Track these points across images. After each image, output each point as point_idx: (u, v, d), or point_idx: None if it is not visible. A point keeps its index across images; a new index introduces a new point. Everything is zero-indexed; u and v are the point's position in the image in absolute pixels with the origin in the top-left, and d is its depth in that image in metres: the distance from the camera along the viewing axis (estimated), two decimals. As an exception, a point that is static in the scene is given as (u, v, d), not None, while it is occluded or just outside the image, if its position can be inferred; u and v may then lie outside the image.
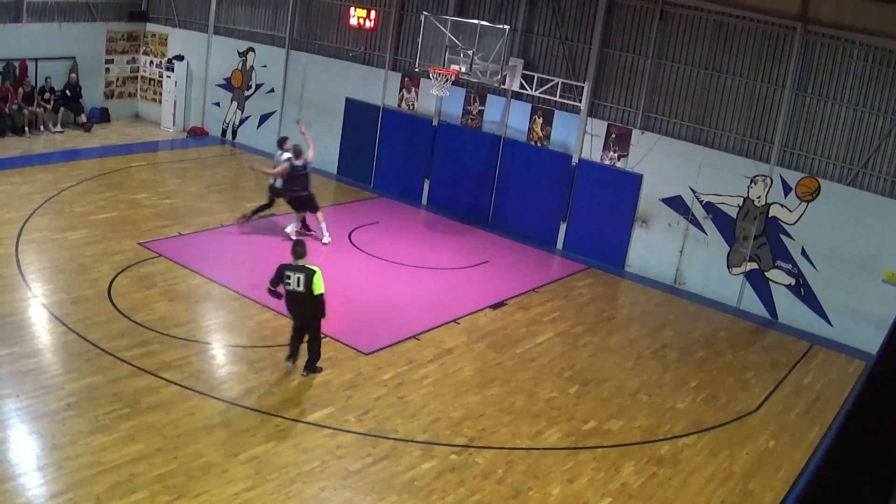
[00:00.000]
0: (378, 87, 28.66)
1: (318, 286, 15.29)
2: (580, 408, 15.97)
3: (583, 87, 24.13)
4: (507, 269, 22.77)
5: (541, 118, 25.33)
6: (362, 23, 28.62)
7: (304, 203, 22.63)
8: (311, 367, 16.00)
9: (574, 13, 24.58)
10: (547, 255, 24.84)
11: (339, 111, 29.75)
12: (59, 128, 30.89)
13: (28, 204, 22.50)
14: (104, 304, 17.42)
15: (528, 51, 25.43)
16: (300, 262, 15.44)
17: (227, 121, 33.08)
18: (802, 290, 21.52)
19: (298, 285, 15.25)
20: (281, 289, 15.51)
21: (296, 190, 22.42)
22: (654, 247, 23.40)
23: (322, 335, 15.96)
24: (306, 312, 15.58)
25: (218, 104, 33.20)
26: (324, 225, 22.63)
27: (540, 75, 24.39)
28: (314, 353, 15.96)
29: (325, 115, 30.06)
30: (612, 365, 18.11)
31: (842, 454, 2.88)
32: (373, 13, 28.44)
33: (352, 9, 28.81)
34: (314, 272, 15.29)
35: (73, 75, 31.64)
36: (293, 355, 15.89)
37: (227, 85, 32.79)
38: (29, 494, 11.20)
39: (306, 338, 15.85)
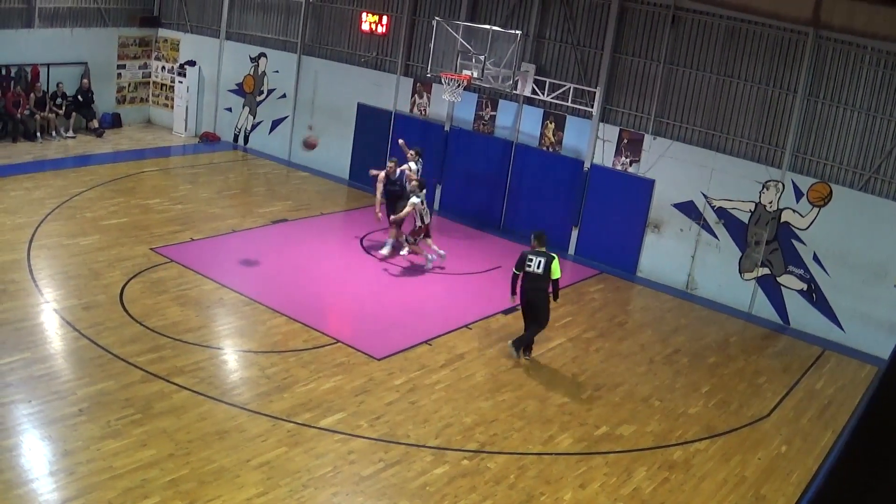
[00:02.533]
0: (390, 93, 28.68)
1: (556, 271, 17.34)
2: (592, 413, 15.96)
3: (595, 93, 24.13)
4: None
5: (553, 123, 25.33)
6: (374, 28, 28.65)
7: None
8: (518, 345, 17.76)
9: (586, 19, 24.58)
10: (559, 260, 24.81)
11: (350, 116, 29.77)
12: (70, 133, 30.96)
13: (40, 209, 22.55)
14: (116, 309, 17.44)
15: (539, 56, 25.42)
16: (542, 249, 17.51)
17: (239, 126, 33.12)
18: (814, 296, 21.48)
19: (538, 268, 17.22)
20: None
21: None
22: (665, 252, 23.37)
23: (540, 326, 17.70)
24: (539, 296, 17.41)
25: (230, 109, 33.24)
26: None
27: (552, 80, 24.40)
28: (530, 338, 17.75)
29: (337, 120, 30.09)
30: (623, 370, 18.09)
31: (854, 460, 2.87)
32: (385, 18, 28.47)
33: (364, 14, 28.86)
34: (553, 258, 17.37)
35: (85, 80, 31.70)
36: (527, 349, 17.91)
37: (239, 90, 32.84)
38: (41, 500, 11.21)
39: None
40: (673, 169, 23.23)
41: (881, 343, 20.34)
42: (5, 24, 29.66)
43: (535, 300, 17.47)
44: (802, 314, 21.75)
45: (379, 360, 16.89)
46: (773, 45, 21.69)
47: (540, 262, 17.23)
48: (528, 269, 17.33)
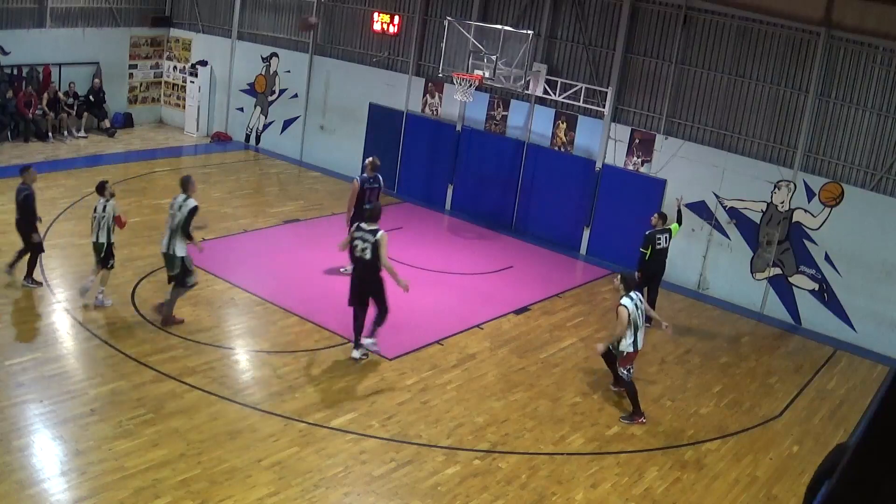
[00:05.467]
0: (402, 93, 28.70)
1: (676, 230, 20.39)
2: (604, 413, 15.95)
3: (606, 93, 24.11)
4: (531, 275, 22.74)
5: (564, 123, 25.32)
6: (386, 28, 28.68)
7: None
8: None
9: (598, 18, 24.57)
10: (570, 260, 24.82)
11: (362, 116, 29.80)
12: (82, 133, 31.06)
13: (52, 209, 22.58)
14: (128, 309, 17.48)
15: (551, 56, 25.42)
16: (667, 226, 19.97)
17: (251, 126, 33.19)
18: (826, 296, 21.45)
19: (666, 243, 19.89)
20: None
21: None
22: (677, 252, 23.24)
23: None
24: (663, 268, 20.19)
25: (241, 109, 33.31)
26: None
27: (563, 80, 24.39)
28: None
29: (349, 120, 30.13)
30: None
31: (865, 460, 2.86)
32: (396, 18, 28.49)
33: (375, 14, 28.88)
34: (671, 228, 20.09)
35: (97, 80, 31.78)
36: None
37: (251, 90, 32.89)
38: (52, 500, 11.23)
39: None
40: (684, 169, 23.22)
41: (893, 343, 20.37)
42: (17, 23, 29.76)
43: (659, 271, 20.09)
44: (814, 314, 21.72)
45: (390, 359, 16.91)
46: (784, 45, 21.66)
47: (667, 237, 19.84)
48: (658, 246, 19.65)
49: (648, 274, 19.66)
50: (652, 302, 19.72)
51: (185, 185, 17.10)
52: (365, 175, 20.65)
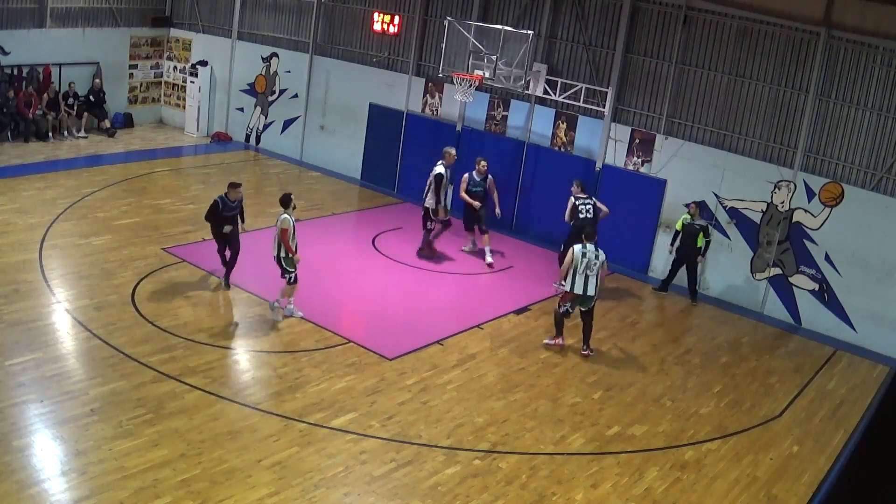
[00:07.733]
0: (402, 93, 28.67)
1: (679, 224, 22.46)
2: (604, 413, 15.95)
3: (606, 93, 24.09)
4: (531, 275, 22.72)
5: (564, 123, 25.29)
6: (386, 28, 28.66)
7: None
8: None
9: (598, 18, 24.54)
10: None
11: (362, 116, 29.76)
12: (82, 133, 31.03)
13: (52, 209, 22.59)
14: (128, 309, 17.47)
15: (551, 56, 25.39)
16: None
17: (251, 126, 33.15)
18: (826, 296, 21.43)
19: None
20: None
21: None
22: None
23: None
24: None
25: (242, 109, 33.28)
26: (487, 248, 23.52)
27: (564, 80, 24.36)
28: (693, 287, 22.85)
29: (349, 120, 30.10)
30: (635, 370, 18.07)
31: (866, 459, 2.88)
32: (396, 18, 28.47)
33: (376, 14, 28.86)
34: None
35: (97, 80, 31.75)
36: (665, 287, 23.07)
37: (251, 90, 32.86)
38: (52, 500, 11.23)
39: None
40: (685, 169, 23.19)
41: (893, 343, 20.36)
42: (17, 23, 29.74)
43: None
44: (814, 314, 21.71)
45: (391, 360, 16.90)
46: (784, 44, 21.64)
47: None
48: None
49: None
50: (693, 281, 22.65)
51: (444, 154, 23.14)
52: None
